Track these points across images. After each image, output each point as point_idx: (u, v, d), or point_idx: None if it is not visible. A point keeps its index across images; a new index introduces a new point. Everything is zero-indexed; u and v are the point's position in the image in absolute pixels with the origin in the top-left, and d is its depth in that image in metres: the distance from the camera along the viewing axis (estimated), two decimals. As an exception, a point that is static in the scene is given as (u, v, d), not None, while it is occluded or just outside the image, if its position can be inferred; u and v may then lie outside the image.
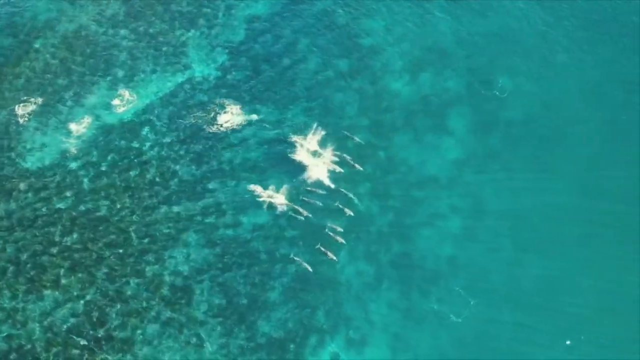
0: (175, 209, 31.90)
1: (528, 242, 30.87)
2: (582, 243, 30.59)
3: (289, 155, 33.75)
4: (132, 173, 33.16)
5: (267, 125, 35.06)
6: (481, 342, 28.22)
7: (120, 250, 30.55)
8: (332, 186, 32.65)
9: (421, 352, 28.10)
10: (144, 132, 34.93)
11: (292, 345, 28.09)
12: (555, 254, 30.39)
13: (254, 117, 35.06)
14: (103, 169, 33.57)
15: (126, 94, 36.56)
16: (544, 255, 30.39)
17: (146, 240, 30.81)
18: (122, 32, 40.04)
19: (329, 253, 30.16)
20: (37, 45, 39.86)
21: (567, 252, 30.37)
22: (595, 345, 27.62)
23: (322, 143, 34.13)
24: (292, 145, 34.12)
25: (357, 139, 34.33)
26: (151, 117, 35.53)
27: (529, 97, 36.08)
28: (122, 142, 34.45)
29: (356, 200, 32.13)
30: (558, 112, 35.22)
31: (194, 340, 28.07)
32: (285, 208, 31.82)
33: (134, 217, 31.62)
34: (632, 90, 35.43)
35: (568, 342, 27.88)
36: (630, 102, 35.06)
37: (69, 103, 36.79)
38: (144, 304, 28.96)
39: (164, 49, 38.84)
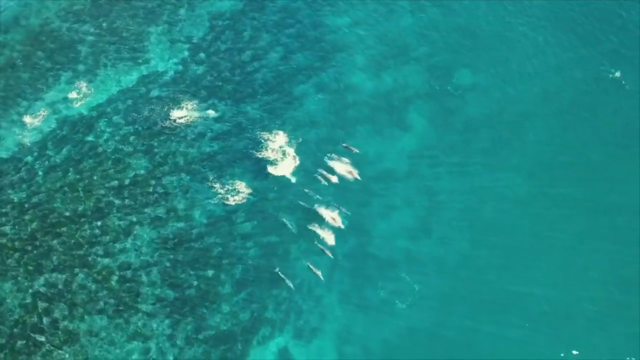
0: (128, 202, 31.76)
1: (481, 234, 30.99)
2: (534, 235, 30.72)
3: (245, 149, 33.76)
4: (86, 166, 33.01)
5: (223, 120, 35.00)
6: (430, 331, 28.31)
7: (71, 242, 30.41)
8: (292, 180, 32.76)
9: (369, 342, 28.13)
10: (100, 126, 34.79)
11: (240, 337, 28.02)
12: (508, 246, 30.52)
13: (211, 112, 35.03)
14: (57, 161, 33.40)
15: (85, 87, 36.45)
16: (497, 247, 30.50)
17: (97, 232, 30.67)
18: (86, 27, 39.99)
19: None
20: (1, 40, 39.89)
21: (519, 245, 30.49)
22: (548, 335, 27.75)
23: (280, 137, 34.18)
24: (249, 140, 34.12)
25: (315, 130, 34.55)
26: (108, 111, 35.42)
27: (487, 92, 36.30)
28: (78, 135, 34.28)
29: (313, 194, 32.24)
30: (515, 108, 35.47)
31: (141, 331, 27.97)
32: (239, 202, 31.83)
33: (86, 210, 31.47)
34: (587, 89, 35.75)
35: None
36: (585, 99, 35.37)
37: (30, 97, 36.68)
38: (92, 296, 28.82)
39: (126, 43, 38.73)
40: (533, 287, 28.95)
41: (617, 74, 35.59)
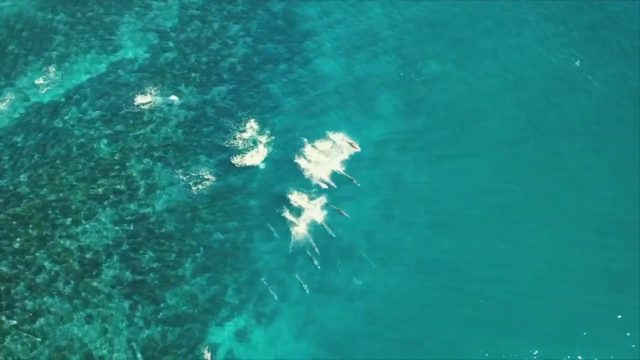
0: (93, 186, 32.02)
1: (442, 219, 31.32)
2: (494, 221, 31.01)
3: (211, 136, 34.07)
4: (51, 150, 33.32)
5: (189, 107, 35.28)
6: (387, 312, 28.66)
7: (33, 223, 30.66)
8: (259, 167, 33.02)
9: (328, 323, 28.39)
10: (67, 111, 35.06)
11: (199, 318, 28.29)
12: (467, 231, 30.84)
13: (174, 97, 35.30)
14: (23, 146, 33.72)
15: (55, 74, 36.71)
16: (457, 231, 30.85)
17: (60, 216, 30.94)
18: (60, 16, 40.29)
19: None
20: (-26, 28, 40.29)
21: (479, 230, 30.79)
22: (502, 317, 28.09)
23: (247, 124, 34.52)
24: (215, 127, 34.44)
25: (282, 118, 34.85)
26: (76, 97, 35.69)
27: (454, 81, 36.66)
28: (44, 120, 34.58)
29: (280, 181, 32.43)
30: (480, 97, 35.81)
31: (100, 312, 28.20)
32: (203, 188, 32.13)
33: (50, 193, 31.73)
34: (552, 79, 36.08)
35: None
36: (549, 89, 35.70)
37: (1, 83, 37.12)
38: (52, 276, 29.10)
39: (98, 32, 38.99)
40: (491, 270, 29.27)
41: (577, 63, 36.11)
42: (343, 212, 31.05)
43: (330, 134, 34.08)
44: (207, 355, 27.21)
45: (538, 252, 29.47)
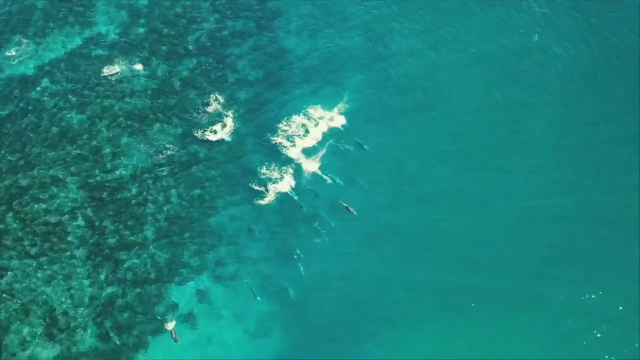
0: (61, 153, 33.18)
1: (403, 186, 32.29)
2: (453, 192, 31.95)
3: (176, 108, 35.14)
4: (24, 121, 34.48)
5: (156, 78, 36.33)
6: (345, 274, 29.62)
7: (3, 187, 31.97)
8: (224, 139, 34.04)
9: (287, 285, 29.39)
10: (42, 83, 36.14)
11: (159, 279, 29.45)
12: (427, 197, 31.84)
13: (140, 67, 36.44)
14: (-3, 117, 35.20)
15: (31, 49, 37.74)
16: (416, 194, 31.89)
17: (26, 182, 32.14)
18: (41, -6, 41.57)
19: None
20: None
21: (438, 196, 31.81)
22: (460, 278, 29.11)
23: (212, 96, 35.41)
24: (180, 98, 35.51)
25: (249, 92, 35.83)
26: (52, 70, 36.76)
27: (421, 56, 37.45)
28: (17, 91, 35.77)
29: (245, 153, 33.46)
30: (447, 71, 36.64)
31: (64, 271, 29.43)
32: (167, 158, 33.16)
33: (20, 160, 32.91)
34: (514, 54, 36.95)
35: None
36: (511, 63, 36.61)
37: (-23, 59, 38.29)
38: (19, 237, 30.36)
39: (75, 9, 40.02)
40: (447, 227, 30.62)
41: (536, 38, 37.01)
42: (351, 210, 31.39)
43: (298, 108, 35.08)
44: (171, 326, 28.12)
45: (489, 207, 30.90)
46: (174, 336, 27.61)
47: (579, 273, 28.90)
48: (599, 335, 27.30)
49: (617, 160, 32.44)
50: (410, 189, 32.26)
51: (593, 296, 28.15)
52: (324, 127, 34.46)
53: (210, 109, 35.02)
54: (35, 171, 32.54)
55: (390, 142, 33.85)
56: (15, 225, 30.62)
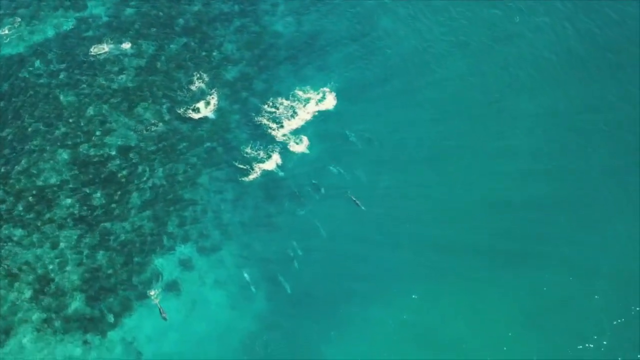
0: (52, 129, 34.33)
1: (381, 162, 33.37)
2: (431, 160, 33.31)
3: (161, 86, 36.24)
4: (17, 98, 35.60)
5: (143, 57, 37.47)
6: (324, 248, 30.58)
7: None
8: (209, 116, 35.03)
9: (267, 254, 30.49)
10: (34, 63, 37.26)
11: (143, 248, 30.54)
12: (407, 168, 33.08)
13: (127, 45, 37.56)
14: (-10, 94, 36.41)
15: (24, 28, 38.84)
16: (397, 169, 33.04)
17: (16, 155, 33.35)
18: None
19: None
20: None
21: (417, 169, 33.03)
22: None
23: (197, 75, 36.49)
24: (165, 76, 36.68)
25: (235, 72, 36.79)
26: (44, 50, 37.89)
27: (404, 39, 38.59)
28: (9, 69, 36.81)
29: (228, 130, 34.56)
30: (429, 52, 37.82)
31: (52, 239, 30.57)
32: (152, 134, 34.19)
33: (11, 135, 34.05)
34: (495, 37, 38.21)
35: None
36: (494, 45, 37.80)
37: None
38: (10, 207, 31.49)
39: (68, -9, 41.46)
40: (424, 190, 32.11)
41: (517, 19, 38.05)
42: (359, 203, 31.90)
43: (284, 88, 36.06)
44: (156, 301, 29.00)
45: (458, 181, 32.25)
46: (162, 314, 28.43)
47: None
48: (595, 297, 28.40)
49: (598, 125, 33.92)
50: (392, 162, 33.37)
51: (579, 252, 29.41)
52: (309, 108, 35.38)
53: (195, 88, 36.03)
54: (25, 145, 33.67)
55: (372, 123, 34.80)
56: (7, 198, 31.77)
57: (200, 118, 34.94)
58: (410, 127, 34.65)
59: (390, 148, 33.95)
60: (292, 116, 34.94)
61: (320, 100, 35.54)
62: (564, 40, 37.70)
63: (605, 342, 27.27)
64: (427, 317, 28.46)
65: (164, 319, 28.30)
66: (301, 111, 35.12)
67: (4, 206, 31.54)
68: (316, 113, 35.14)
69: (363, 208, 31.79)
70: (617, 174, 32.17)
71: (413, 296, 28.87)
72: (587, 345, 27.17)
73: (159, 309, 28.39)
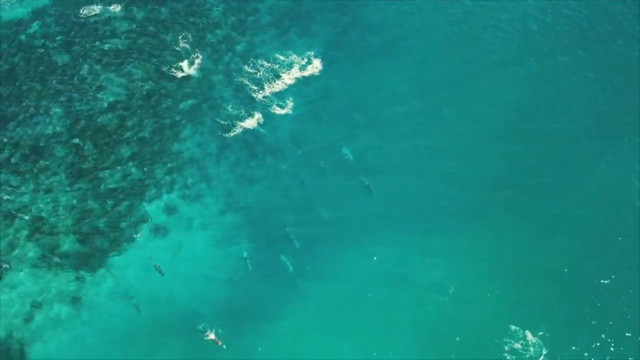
0: (47, 86, 36.56)
1: (363, 121, 35.50)
2: (407, 122, 35.34)
3: (151, 47, 38.38)
4: (15, 59, 37.86)
5: (133, 21, 39.62)
6: (303, 196, 32.90)
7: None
8: (193, 75, 37.15)
9: (248, 200, 32.83)
10: (32, 26, 39.38)
11: (130, 193, 32.87)
12: (384, 130, 35.16)
13: (116, 7, 39.86)
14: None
15: (23, -4, 41.31)
16: (374, 131, 35.05)
17: (16, 109, 35.66)
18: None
19: None
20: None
21: (394, 129, 35.08)
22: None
23: (184, 37, 38.59)
24: (153, 38, 38.92)
25: (219, 35, 38.91)
26: (41, 14, 39.98)
27: (390, 3, 40.67)
28: (8, 32, 39.07)
29: (212, 87, 36.72)
30: (411, 17, 39.80)
31: (47, 185, 32.90)
32: (140, 90, 36.36)
33: (8, 91, 36.38)
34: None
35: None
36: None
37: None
38: (8, 156, 33.90)
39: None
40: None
41: None
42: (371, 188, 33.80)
43: (267, 51, 37.94)
44: (152, 260, 30.79)
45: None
46: (159, 270, 30.36)
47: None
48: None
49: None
50: (371, 120, 35.50)
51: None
52: (294, 71, 37.24)
53: (180, 48, 38.08)
54: (22, 101, 35.95)
55: (352, 85, 36.89)
56: (2, 146, 34.14)
57: (185, 77, 37.07)
58: (386, 90, 36.62)
59: (374, 108, 35.96)
60: (275, 78, 36.92)
61: (304, 66, 37.36)
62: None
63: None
64: (402, 261, 30.52)
65: (161, 274, 30.31)
66: (285, 74, 37.07)
67: (2, 155, 33.93)
68: (300, 76, 37.06)
69: (373, 191, 33.17)
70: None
71: (386, 240, 31.05)
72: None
73: (155, 267, 30.32)
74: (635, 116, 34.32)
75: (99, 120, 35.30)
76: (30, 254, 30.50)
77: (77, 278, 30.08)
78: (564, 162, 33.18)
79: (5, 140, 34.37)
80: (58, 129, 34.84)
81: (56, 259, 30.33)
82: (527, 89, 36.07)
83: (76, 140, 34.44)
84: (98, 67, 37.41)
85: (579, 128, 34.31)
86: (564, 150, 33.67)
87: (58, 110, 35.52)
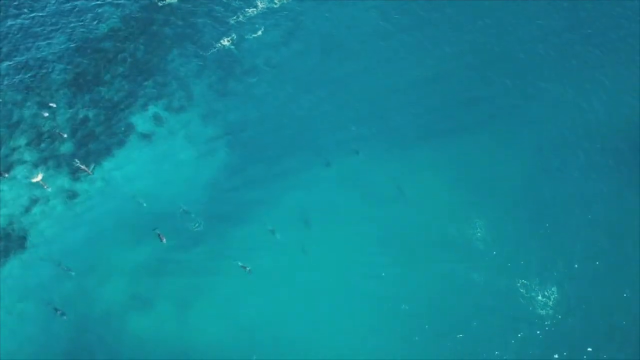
0: (48, 13, 40.77)
1: (332, 48, 39.06)
2: (373, 50, 38.91)
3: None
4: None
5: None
6: (278, 113, 36.21)
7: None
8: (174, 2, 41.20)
9: (229, 116, 36.19)
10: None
11: (124, 105, 36.47)
12: (353, 57, 38.68)
13: None
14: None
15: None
16: (344, 58, 38.56)
17: (16, 38, 39.68)
18: None
19: None
20: None
21: (362, 56, 38.66)
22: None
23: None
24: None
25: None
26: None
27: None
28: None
29: (195, 17, 40.54)
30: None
31: (48, 100, 36.47)
32: (132, 18, 40.36)
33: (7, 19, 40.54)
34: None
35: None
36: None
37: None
38: (12, 76, 37.58)
39: None
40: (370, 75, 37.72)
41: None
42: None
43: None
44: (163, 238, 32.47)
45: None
46: (162, 238, 32.26)
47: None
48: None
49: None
50: (338, 51, 39.01)
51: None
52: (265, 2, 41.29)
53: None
54: (28, 29, 39.94)
55: (321, 15, 40.51)
56: (7, 70, 37.96)
57: (166, 4, 41.24)
58: (354, 23, 40.12)
59: (336, 40, 39.51)
60: (248, 7, 40.81)
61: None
62: None
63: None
64: (369, 174, 33.72)
65: (162, 240, 32.20)
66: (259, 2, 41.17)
67: (5, 75, 37.72)
68: (274, 5, 41.05)
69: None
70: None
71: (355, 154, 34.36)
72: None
73: (158, 235, 32.34)
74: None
75: (96, 44, 39.09)
76: (30, 158, 33.89)
77: (73, 177, 33.44)
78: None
79: (11, 63, 38.24)
80: (60, 52, 38.62)
81: (54, 161, 33.79)
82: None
83: (75, 61, 38.28)
84: (93, 3, 41.44)
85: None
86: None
87: (61, 37, 39.49)
